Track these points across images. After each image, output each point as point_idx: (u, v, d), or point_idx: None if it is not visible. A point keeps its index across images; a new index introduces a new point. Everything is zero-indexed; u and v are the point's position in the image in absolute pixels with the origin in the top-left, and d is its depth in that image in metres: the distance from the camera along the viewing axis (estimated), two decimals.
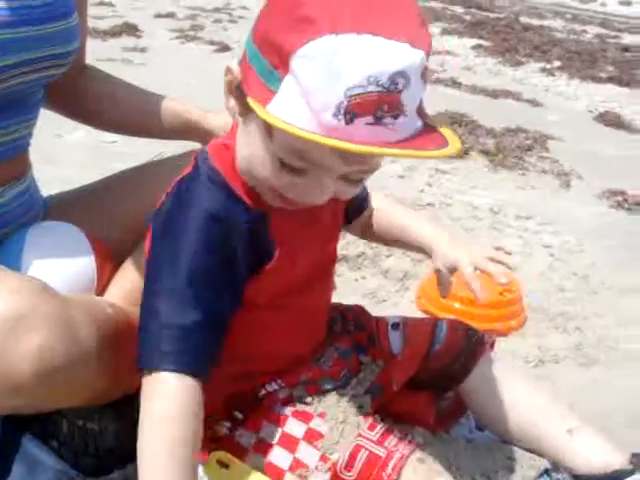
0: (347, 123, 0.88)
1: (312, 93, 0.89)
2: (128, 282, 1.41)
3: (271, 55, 0.94)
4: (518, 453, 1.33)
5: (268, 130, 0.98)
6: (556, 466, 1.30)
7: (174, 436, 0.99)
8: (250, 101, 0.95)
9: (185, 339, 1.03)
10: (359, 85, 0.87)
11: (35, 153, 1.53)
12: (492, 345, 1.39)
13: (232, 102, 1.05)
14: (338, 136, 0.89)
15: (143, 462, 0.99)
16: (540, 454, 1.33)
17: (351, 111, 0.88)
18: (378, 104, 0.88)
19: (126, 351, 1.11)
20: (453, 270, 1.33)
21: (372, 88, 0.88)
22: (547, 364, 1.82)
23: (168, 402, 1.00)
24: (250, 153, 1.04)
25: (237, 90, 1.02)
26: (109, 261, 1.43)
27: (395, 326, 1.39)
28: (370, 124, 0.89)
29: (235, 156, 1.09)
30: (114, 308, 1.25)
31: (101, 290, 1.38)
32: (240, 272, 1.09)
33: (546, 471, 1.30)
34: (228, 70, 1.03)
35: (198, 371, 1.03)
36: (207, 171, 1.10)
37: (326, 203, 1.16)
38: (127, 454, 1.25)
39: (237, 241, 1.07)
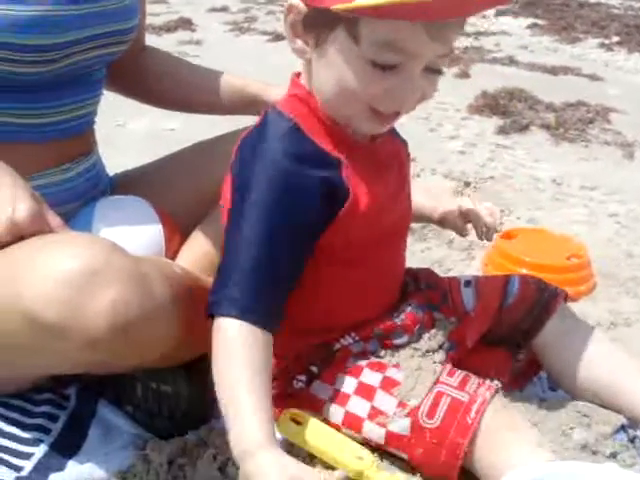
0: None
1: None
2: (195, 252, 1.44)
3: None
4: (593, 409, 1.30)
5: (354, 36, 1.02)
6: (633, 422, 1.27)
7: (249, 370, 1.03)
8: (337, 7, 0.98)
9: (255, 290, 1.06)
10: None
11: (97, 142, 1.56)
12: (565, 298, 1.36)
13: (300, 42, 1.09)
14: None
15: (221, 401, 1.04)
16: (616, 411, 1.30)
17: None
18: None
19: (196, 311, 1.13)
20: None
21: None
22: (619, 327, 1.78)
23: (236, 345, 1.04)
24: (337, 78, 1.07)
25: (303, 26, 1.07)
26: (177, 233, 1.45)
27: (467, 283, 1.38)
28: None
29: (313, 100, 1.13)
30: (183, 270, 1.26)
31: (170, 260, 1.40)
32: (315, 221, 1.11)
33: (622, 427, 1.27)
34: (289, 8, 1.07)
35: (265, 322, 1.06)
36: (279, 120, 1.12)
37: (395, 161, 1.18)
38: (200, 416, 1.27)
39: (313, 188, 1.09)
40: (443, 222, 1.45)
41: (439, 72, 1.10)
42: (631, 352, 1.55)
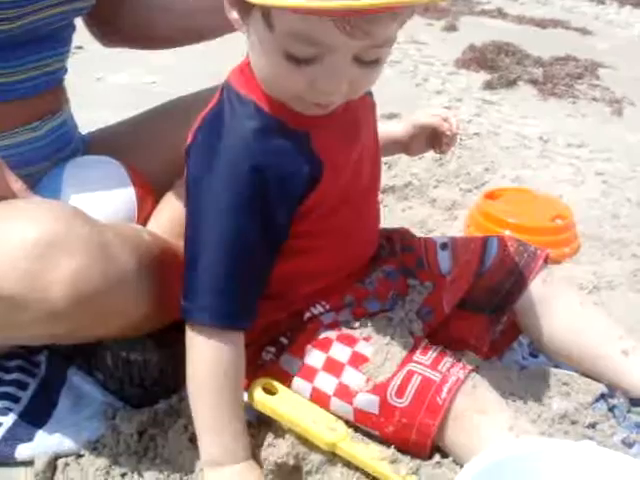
0: None
1: None
2: (169, 214, 1.40)
3: None
4: (573, 378, 1.28)
5: (268, 23, 0.95)
6: (612, 391, 1.25)
7: (218, 383, 1.05)
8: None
9: (225, 291, 1.04)
10: None
11: (74, 96, 1.52)
12: (546, 259, 1.33)
13: (234, 13, 1.02)
14: None
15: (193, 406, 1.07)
16: (596, 377, 1.28)
17: None
18: None
19: (166, 279, 1.10)
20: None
21: None
22: (603, 290, 1.76)
23: (208, 355, 1.05)
24: (261, 64, 1.01)
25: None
26: (150, 193, 1.41)
27: (444, 246, 1.34)
28: None
29: (255, 76, 1.05)
30: (152, 236, 1.22)
31: (142, 222, 1.37)
32: (288, 202, 1.07)
33: (602, 396, 1.26)
34: None
35: (238, 324, 1.06)
36: (235, 99, 1.07)
37: (362, 118, 1.13)
38: (172, 384, 1.24)
39: (283, 167, 1.04)
40: (409, 148, 1.44)
41: (376, 62, 0.99)
42: (614, 315, 1.54)
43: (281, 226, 1.07)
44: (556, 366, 1.33)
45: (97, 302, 1.00)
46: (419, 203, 2.13)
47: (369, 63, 0.98)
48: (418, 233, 1.71)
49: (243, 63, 1.09)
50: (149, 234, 1.22)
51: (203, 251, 1.04)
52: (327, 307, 1.19)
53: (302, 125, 1.06)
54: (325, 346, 1.16)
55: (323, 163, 1.08)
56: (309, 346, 1.16)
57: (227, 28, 1.49)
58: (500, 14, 4.72)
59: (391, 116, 2.71)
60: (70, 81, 1.49)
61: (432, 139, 1.40)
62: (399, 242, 1.35)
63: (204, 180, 1.04)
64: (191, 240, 1.06)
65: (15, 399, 1.24)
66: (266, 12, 0.94)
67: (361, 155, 1.17)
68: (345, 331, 1.18)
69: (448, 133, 1.37)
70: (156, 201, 1.43)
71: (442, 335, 1.27)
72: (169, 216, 1.39)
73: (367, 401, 1.11)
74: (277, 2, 0.88)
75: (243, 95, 1.06)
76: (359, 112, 1.17)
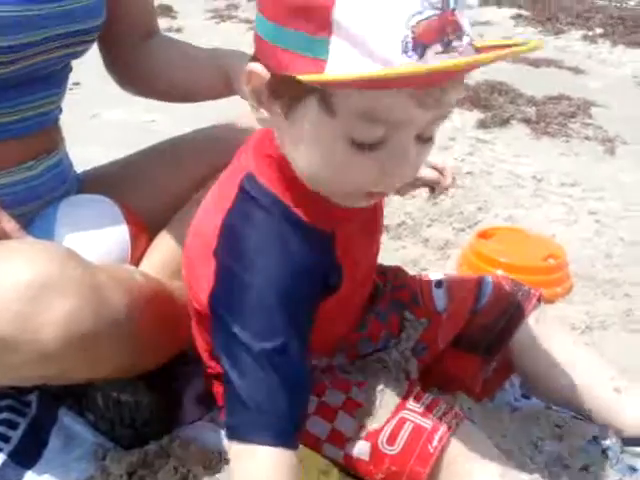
0: (420, 57, 0.79)
1: (370, 39, 0.80)
2: (162, 254, 1.40)
3: (304, 23, 0.83)
4: (565, 420, 1.28)
5: (328, 108, 0.86)
6: (605, 433, 1.25)
7: None
8: (303, 78, 0.83)
9: (285, 408, 0.96)
10: (417, 12, 0.79)
11: (69, 133, 1.52)
12: (539, 299, 1.34)
13: (265, 112, 0.94)
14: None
15: None
16: (588, 417, 1.28)
17: (420, 42, 0.79)
18: (441, 27, 0.81)
19: (158, 320, 1.10)
20: None
21: (429, 12, 0.80)
22: (595, 330, 1.76)
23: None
24: (316, 156, 0.92)
25: (268, 94, 0.92)
26: (143, 232, 1.42)
27: (439, 284, 1.35)
28: (440, 53, 0.80)
29: (289, 166, 0.98)
30: (145, 276, 1.23)
31: (135, 262, 1.38)
32: (314, 307, 1.03)
33: (594, 438, 1.26)
34: (250, 75, 0.92)
35: (293, 445, 0.97)
36: (260, 199, 1.00)
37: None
38: (162, 425, 1.24)
39: (310, 276, 1.00)
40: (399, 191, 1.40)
41: (430, 140, 0.93)
42: (606, 356, 1.53)
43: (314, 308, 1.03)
44: (548, 407, 1.33)
45: (89, 344, 1.00)
46: (412, 242, 2.13)
47: (426, 141, 0.92)
48: (411, 272, 1.72)
49: (266, 154, 1.02)
50: (142, 275, 1.23)
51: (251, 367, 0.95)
52: (321, 355, 1.19)
53: (329, 222, 1.02)
54: (319, 391, 1.16)
55: (343, 267, 1.05)
56: None
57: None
58: None
59: None
60: (66, 118, 1.50)
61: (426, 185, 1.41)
62: (392, 279, 1.35)
63: (233, 284, 0.98)
64: (237, 354, 0.96)
65: (5, 438, 1.23)
66: (327, 96, 0.86)
67: (374, 238, 1.19)
68: (339, 376, 1.18)
69: (444, 187, 1.38)
70: (150, 240, 1.43)
71: (436, 373, 1.28)
72: (162, 256, 1.39)
73: (358, 448, 1.11)
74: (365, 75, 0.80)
75: (265, 190, 1.00)
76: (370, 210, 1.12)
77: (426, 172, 1.38)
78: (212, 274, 1.00)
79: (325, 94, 0.86)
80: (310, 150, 0.92)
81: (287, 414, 0.95)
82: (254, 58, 0.93)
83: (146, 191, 1.49)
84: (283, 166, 0.99)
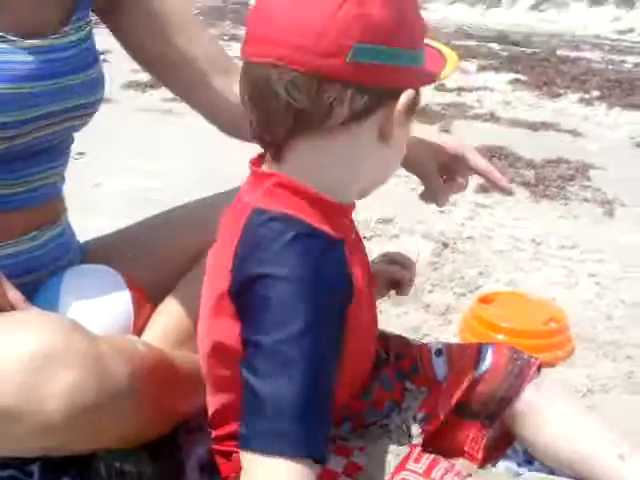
0: None
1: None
2: (164, 323, 1.42)
3: (422, 43, 1.06)
4: None
5: (411, 110, 1.05)
6: None
7: None
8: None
9: (307, 418, 0.94)
10: None
11: (72, 203, 1.55)
12: (539, 368, 1.34)
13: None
14: None
15: None
16: None
17: None
18: None
19: (160, 390, 1.10)
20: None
21: None
22: (597, 393, 1.76)
23: None
24: (396, 156, 1.12)
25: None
26: (146, 302, 1.43)
27: (439, 352, 1.35)
28: None
29: (299, 183, 1.04)
30: (147, 347, 1.24)
31: (138, 331, 1.39)
32: (341, 324, 1.03)
33: None
34: (408, 97, 1.04)
35: (322, 455, 0.95)
36: (277, 221, 1.02)
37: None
38: None
39: (336, 288, 1.02)
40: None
41: None
42: (608, 419, 1.53)
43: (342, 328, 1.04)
44: (552, 473, 1.32)
45: (92, 415, 1.01)
46: (414, 308, 2.14)
47: None
48: (413, 338, 1.73)
49: (269, 187, 1.05)
50: (144, 345, 1.24)
51: (281, 374, 0.95)
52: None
53: (340, 233, 1.06)
54: None
55: (353, 276, 1.06)
56: None
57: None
58: (492, 118, 4.81)
59: (387, 221, 2.76)
60: (69, 187, 1.52)
61: (392, 283, 1.43)
62: (395, 349, 1.36)
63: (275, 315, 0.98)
64: (264, 368, 0.96)
65: None
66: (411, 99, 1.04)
67: (367, 264, 1.21)
68: (342, 443, 1.18)
69: (408, 281, 1.41)
70: (152, 309, 1.44)
71: (437, 442, 1.27)
72: (164, 325, 1.41)
73: None
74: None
75: (283, 216, 1.02)
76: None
77: (390, 269, 1.41)
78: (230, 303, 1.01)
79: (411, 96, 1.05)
80: (402, 147, 1.11)
81: (311, 421, 0.94)
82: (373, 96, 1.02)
83: (148, 261, 1.50)
84: (291, 186, 1.04)
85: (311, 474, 0.93)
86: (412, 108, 1.05)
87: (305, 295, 0.97)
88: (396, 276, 1.40)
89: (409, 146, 1.15)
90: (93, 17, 1.43)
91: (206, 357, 1.11)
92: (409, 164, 1.38)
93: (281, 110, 0.99)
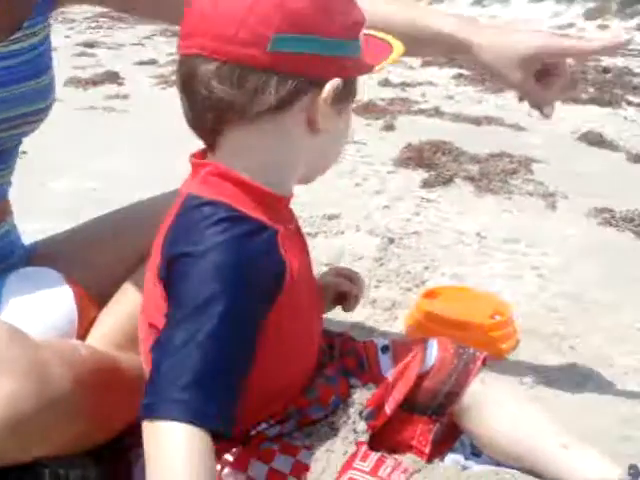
0: None
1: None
2: (110, 326, 1.40)
3: (357, 33, 1.08)
4: (515, 477, 1.29)
5: (353, 95, 1.11)
6: None
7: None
8: (393, 57, 1.12)
9: (211, 389, 0.96)
10: None
11: (15, 203, 1.53)
12: (484, 361, 1.36)
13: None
14: None
15: None
16: (539, 474, 1.29)
17: None
18: None
19: (104, 394, 1.09)
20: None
21: None
22: (542, 385, 1.78)
23: (185, 455, 0.93)
24: (340, 140, 1.17)
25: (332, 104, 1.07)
26: (91, 305, 1.42)
27: (384, 349, 1.36)
28: None
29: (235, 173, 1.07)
30: (90, 350, 1.22)
31: (83, 334, 1.37)
32: (266, 303, 1.06)
33: None
34: (333, 87, 1.05)
35: (217, 426, 0.97)
36: (204, 206, 1.05)
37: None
38: None
39: (257, 276, 1.04)
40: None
41: None
42: (553, 411, 1.56)
43: (264, 310, 1.06)
44: (498, 465, 1.34)
45: (32, 423, 1.00)
46: (360, 304, 2.12)
47: None
48: (359, 334, 1.74)
49: (203, 175, 1.09)
50: (87, 349, 1.22)
51: (190, 346, 0.97)
52: (272, 422, 1.19)
53: (274, 221, 1.08)
54: (268, 458, 1.16)
55: (286, 263, 1.08)
56: (252, 459, 1.16)
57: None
58: (436, 113, 4.85)
59: (332, 217, 2.76)
60: (13, 188, 1.50)
61: (339, 298, 1.45)
62: (340, 346, 1.37)
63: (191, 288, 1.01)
64: (175, 336, 0.98)
65: None
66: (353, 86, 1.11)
67: (307, 255, 1.22)
68: (288, 441, 1.18)
69: (354, 294, 1.43)
70: (97, 312, 1.43)
71: (384, 437, 1.28)
72: (109, 327, 1.39)
73: None
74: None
75: (214, 201, 1.05)
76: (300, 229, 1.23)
77: (336, 281, 1.44)
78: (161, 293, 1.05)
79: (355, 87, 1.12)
80: (340, 136, 1.16)
81: (210, 393, 0.96)
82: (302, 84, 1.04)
83: (94, 262, 1.49)
84: (227, 175, 1.07)
85: (205, 444, 0.94)
86: (343, 97, 1.07)
87: (221, 273, 0.99)
88: (343, 288, 1.43)
89: (488, 60, 1.40)
90: None
91: (142, 344, 1.13)
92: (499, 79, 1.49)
93: (207, 100, 1.03)
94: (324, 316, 1.37)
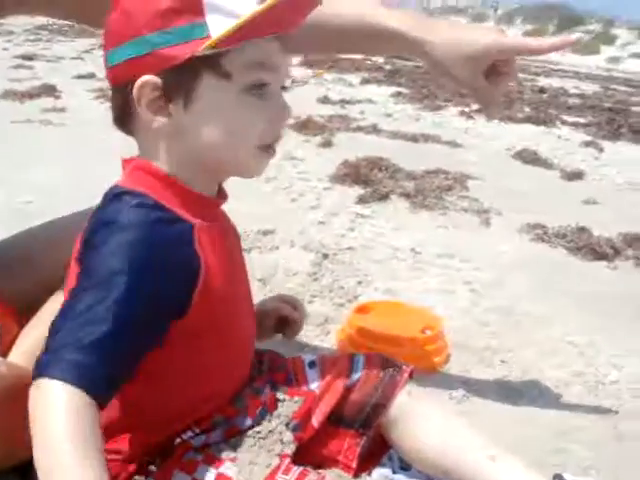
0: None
1: (237, 5, 1.05)
2: (33, 341, 1.37)
3: (177, 19, 1.05)
4: None
5: (224, 73, 1.07)
6: None
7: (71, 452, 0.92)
8: (206, 52, 1.04)
9: (89, 352, 0.97)
10: None
11: None
12: (411, 374, 1.36)
13: (161, 119, 1.10)
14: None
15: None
16: None
17: None
18: None
19: (24, 412, 1.06)
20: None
21: None
22: (473, 399, 1.79)
23: (58, 417, 0.94)
24: (222, 126, 1.10)
25: (165, 98, 1.08)
26: (13, 320, 1.38)
27: (312, 364, 1.36)
28: None
29: (158, 169, 1.12)
30: (9, 366, 1.20)
31: (5, 350, 1.33)
32: (173, 296, 1.07)
33: None
34: (141, 89, 1.07)
35: (95, 390, 0.97)
36: (125, 195, 1.09)
37: (235, 242, 1.24)
38: None
39: (167, 261, 1.06)
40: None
41: (284, 89, 1.17)
42: (484, 423, 1.57)
43: (171, 303, 1.07)
44: (428, 478, 1.34)
45: None
46: None
47: (283, 90, 1.16)
48: (290, 350, 1.73)
49: (129, 170, 1.14)
50: (5, 365, 1.20)
51: (86, 316, 0.99)
52: (197, 430, 1.18)
53: (192, 215, 1.11)
54: (191, 469, 1.15)
55: (201, 258, 1.09)
56: (175, 470, 1.15)
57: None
58: (375, 130, 4.90)
59: (267, 232, 2.75)
60: None
61: (281, 325, 1.47)
62: (268, 362, 1.37)
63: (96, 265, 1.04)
64: (75, 304, 1.01)
65: None
66: (218, 65, 1.06)
67: (239, 266, 1.23)
68: (212, 452, 1.17)
69: (296, 321, 1.46)
70: (20, 327, 1.40)
71: (311, 451, 1.28)
72: (32, 343, 1.36)
73: None
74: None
75: (134, 191, 1.10)
76: (231, 235, 1.26)
77: (277, 305, 1.46)
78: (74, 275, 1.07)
79: (216, 64, 1.07)
80: (216, 122, 1.10)
81: (103, 359, 0.98)
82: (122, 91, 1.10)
83: (25, 274, 1.46)
84: (149, 170, 1.12)
85: (84, 405, 0.95)
86: (173, 88, 1.08)
87: (132, 249, 1.03)
88: (284, 312, 1.46)
89: (439, 58, 1.41)
90: None
91: None
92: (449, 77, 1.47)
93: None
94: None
